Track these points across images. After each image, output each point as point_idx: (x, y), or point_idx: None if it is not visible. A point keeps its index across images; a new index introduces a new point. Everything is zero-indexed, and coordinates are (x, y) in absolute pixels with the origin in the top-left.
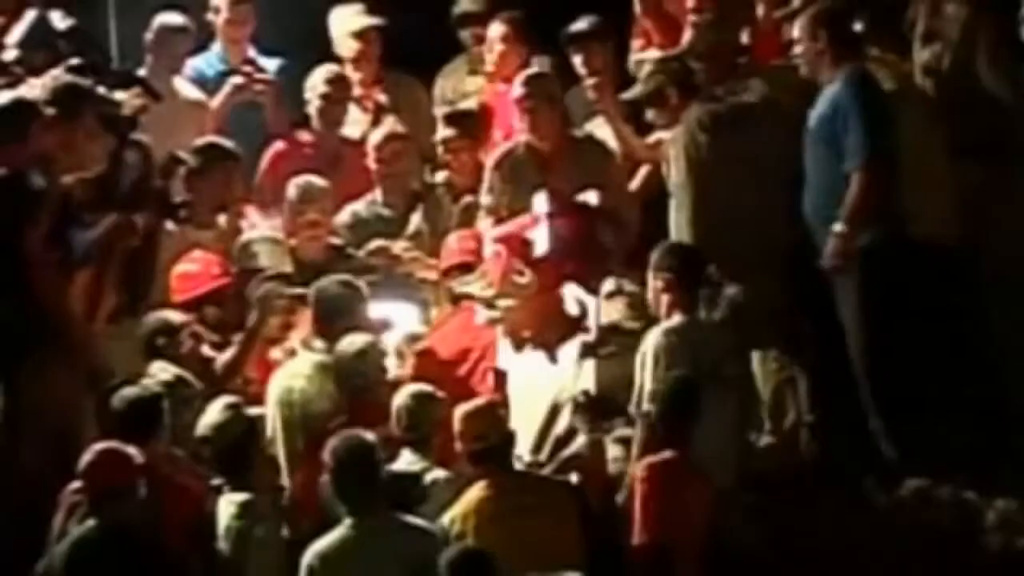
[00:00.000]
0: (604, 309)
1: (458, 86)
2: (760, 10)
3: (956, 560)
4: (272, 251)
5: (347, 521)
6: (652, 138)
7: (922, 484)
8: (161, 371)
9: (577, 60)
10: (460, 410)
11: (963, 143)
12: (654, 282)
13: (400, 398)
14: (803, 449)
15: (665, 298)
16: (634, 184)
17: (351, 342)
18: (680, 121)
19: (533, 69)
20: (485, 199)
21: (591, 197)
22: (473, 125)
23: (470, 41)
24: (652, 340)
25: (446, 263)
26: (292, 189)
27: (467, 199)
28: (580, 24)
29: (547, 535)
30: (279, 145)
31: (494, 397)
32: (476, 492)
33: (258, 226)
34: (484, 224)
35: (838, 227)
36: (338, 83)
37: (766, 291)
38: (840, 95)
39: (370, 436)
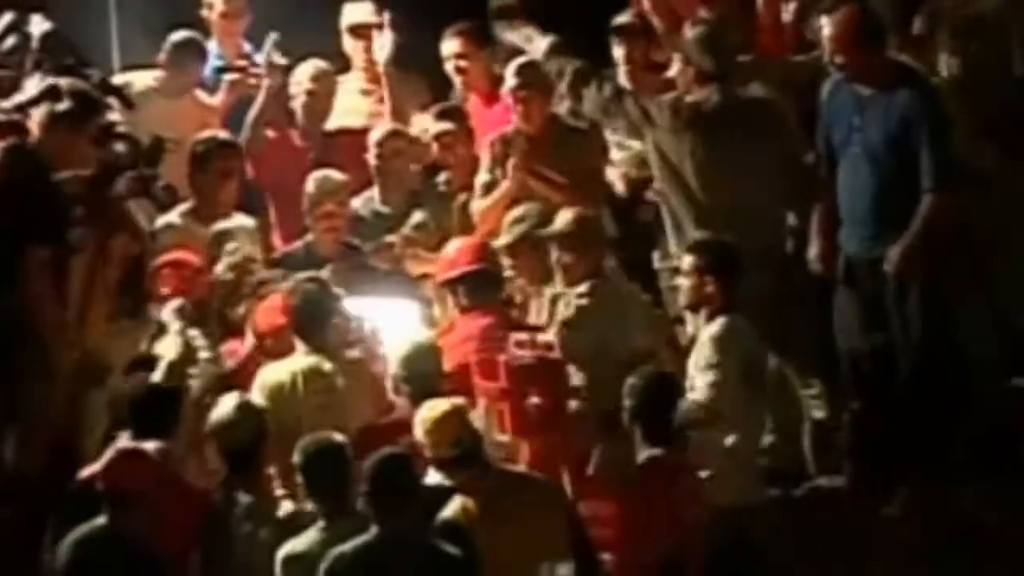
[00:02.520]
0: None
1: None
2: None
3: (957, 558)
4: (246, 239)
5: (319, 523)
6: None
7: (922, 483)
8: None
9: (619, 53)
10: (426, 416)
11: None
12: (693, 279)
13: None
14: (805, 447)
15: (711, 294)
16: None
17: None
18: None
19: (523, 58)
20: (481, 177)
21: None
22: (464, 117)
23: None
24: (714, 332)
25: (443, 275)
26: (310, 182)
27: (462, 197)
28: (624, 17)
29: (536, 534)
30: (268, 134)
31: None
32: (461, 499)
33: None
34: (479, 204)
35: (908, 240)
36: (323, 79)
37: (755, 287)
38: (911, 109)
39: (340, 437)
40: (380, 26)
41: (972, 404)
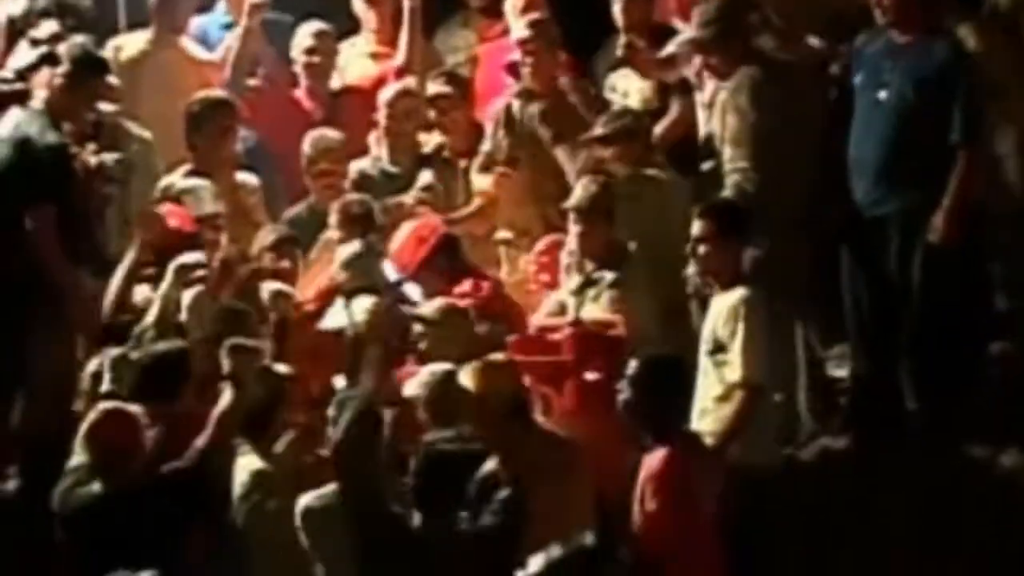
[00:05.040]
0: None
1: (448, 40)
2: None
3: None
4: (207, 197)
5: None
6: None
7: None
8: None
9: (616, 8)
10: (480, 367)
11: None
12: (708, 245)
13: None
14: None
15: (727, 260)
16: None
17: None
18: (736, 75)
19: (536, 14)
20: (484, 146)
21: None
22: (463, 83)
23: None
24: (740, 301)
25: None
26: (306, 142)
27: (463, 163)
28: None
29: (570, 494)
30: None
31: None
32: (506, 453)
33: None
34: (479, 179)
35: (950, 203)
36: (322, 38)
37: (801, 251)
38: (948, 64)
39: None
40: None
41: (977, 366)
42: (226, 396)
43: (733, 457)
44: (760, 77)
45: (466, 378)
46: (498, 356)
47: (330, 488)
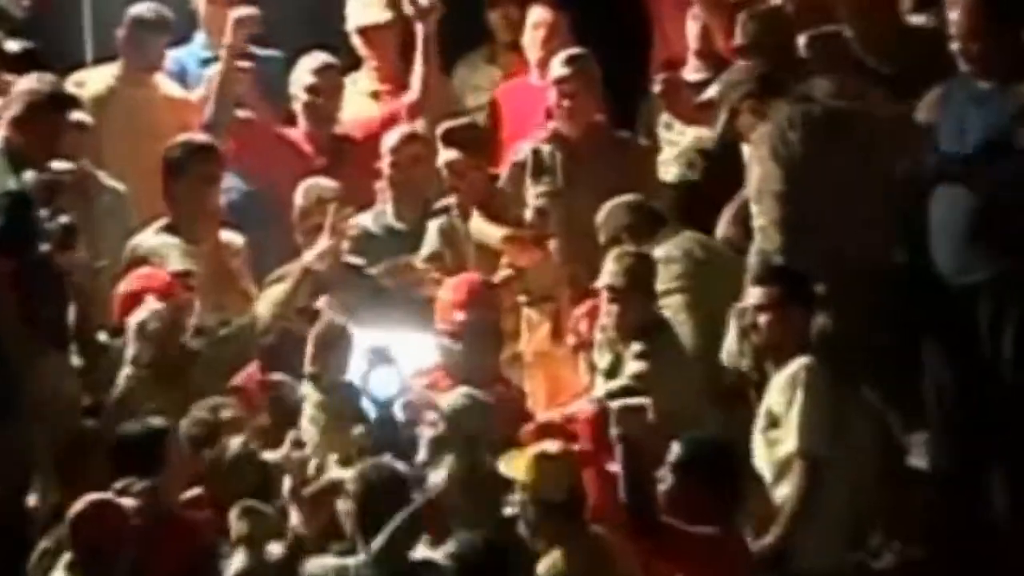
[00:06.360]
0: None
1: (470, 77)
2: None
3: None
4: (182, 253)
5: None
6: None
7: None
8: None
9: (691, 31)
10: (539, 455)
11: None
12: (774, 312)
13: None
14: None
15: (789, 328)
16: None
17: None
18: (767, 120)
19: (575, 50)
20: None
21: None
22: (475, 139)
23: (499, 23)
24: (803, 364)
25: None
26: (299, 193)
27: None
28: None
29: None
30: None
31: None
32: (561, 551)
33: None
34: (484, 227)
35: None
36: (326, 74)
37: (861, 317)
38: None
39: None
40: (392, 24)
41: None
42: (239, 558)
43: (793, 561)
44: (786, 124)
45: (511, 467)
46: (556, 445)
47: (331, 561)
